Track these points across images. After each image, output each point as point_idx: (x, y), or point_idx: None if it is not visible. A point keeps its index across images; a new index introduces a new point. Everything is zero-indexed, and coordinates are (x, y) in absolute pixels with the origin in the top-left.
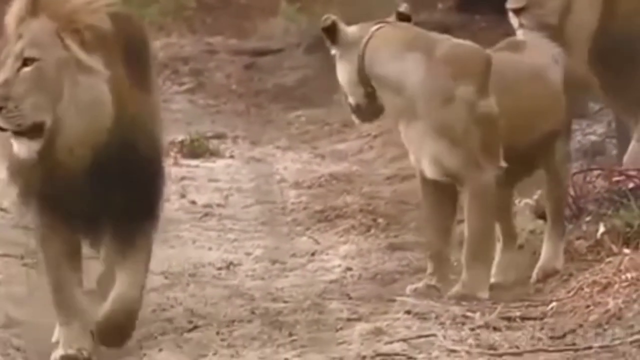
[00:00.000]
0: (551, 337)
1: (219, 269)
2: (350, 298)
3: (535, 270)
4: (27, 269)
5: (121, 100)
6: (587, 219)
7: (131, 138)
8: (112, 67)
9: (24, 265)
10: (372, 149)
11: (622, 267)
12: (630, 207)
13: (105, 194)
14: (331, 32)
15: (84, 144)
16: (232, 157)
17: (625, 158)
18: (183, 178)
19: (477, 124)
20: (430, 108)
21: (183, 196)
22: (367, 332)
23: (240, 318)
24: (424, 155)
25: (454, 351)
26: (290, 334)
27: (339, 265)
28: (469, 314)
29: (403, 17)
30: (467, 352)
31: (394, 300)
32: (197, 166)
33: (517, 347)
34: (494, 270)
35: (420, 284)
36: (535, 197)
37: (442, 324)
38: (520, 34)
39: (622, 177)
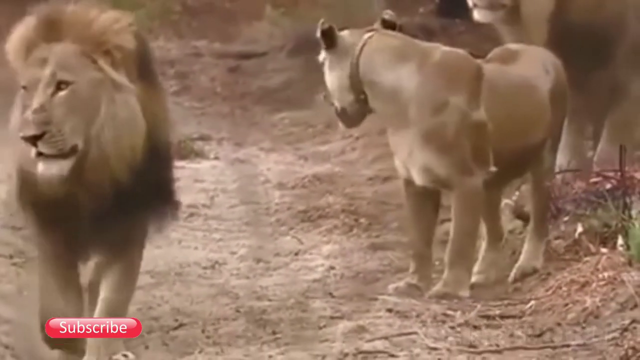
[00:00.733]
0: (530, 335)
1: (205, 268)
2: (333, 297)
3: (514, 270)
4: (16, 268)
5: (146, 115)
6: (566, 219)
7: (157, 151)
8: (134, 83)
9: (13, 264)
10: (354, 151)
11: (599, 266)
12: (607, 208)
13: (133, 209)
14: (328, 36)
15: (123, 160)
16: (217, 158)
17: (595, 158)
18: None
19: (469, 131)
20: (423, 116)
21: None
22: (349, 330)
23: (225, 316)
24: (414, 163)
25: (434, 349)
26: (274, 332)
27: (322, 265)
28: (449, 312)
29: (388, 24)
30: (448, 350)
31: (375, 299)
32: (182, 167)
33: (497, 345)
34: (476, 268)
35: (401, 283)
36: (515, 197)
37: (423, 322)
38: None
39: (599, 179)
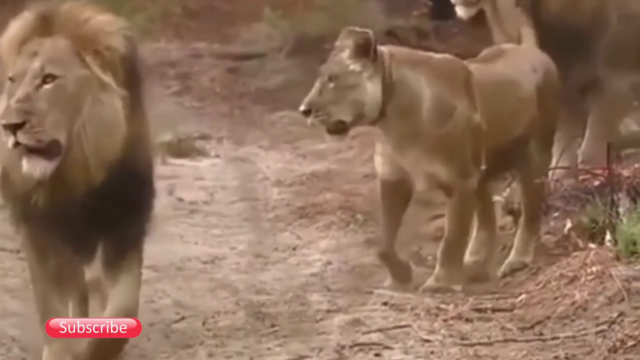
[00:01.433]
0: (520, 328)
1: (205, 262)
2: (329, 290)
3: (504, 265)
4: (22, 263)
5: (128, 118)
6: (555, 215)
7: (136, 155)
8: (120, 86)
9: (19, 259)
10: (350, 149)
11: (588, 261)
12: (595, 204)
13: (110, 211)
14: (366, 48)
15: (100, 160)
16: (217, 156)
17: (580, 155)
18: (170, 176)
19: (471, 135)
20: (435, 125)
21: (170, 194)
22: (345, 323)
23: (225, 310)
24: (420, 170)
25: (428, 341)
26: (273, 325)
27: (319, 259)
28: (442, 305)
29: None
30: (441, 342)
31: (371, 293)
32: (183, 165)
33: (488, 338)
34: (469, 250)
35: None
36: (505, 194)
37: (417, 315)
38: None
39: (588, 176)
